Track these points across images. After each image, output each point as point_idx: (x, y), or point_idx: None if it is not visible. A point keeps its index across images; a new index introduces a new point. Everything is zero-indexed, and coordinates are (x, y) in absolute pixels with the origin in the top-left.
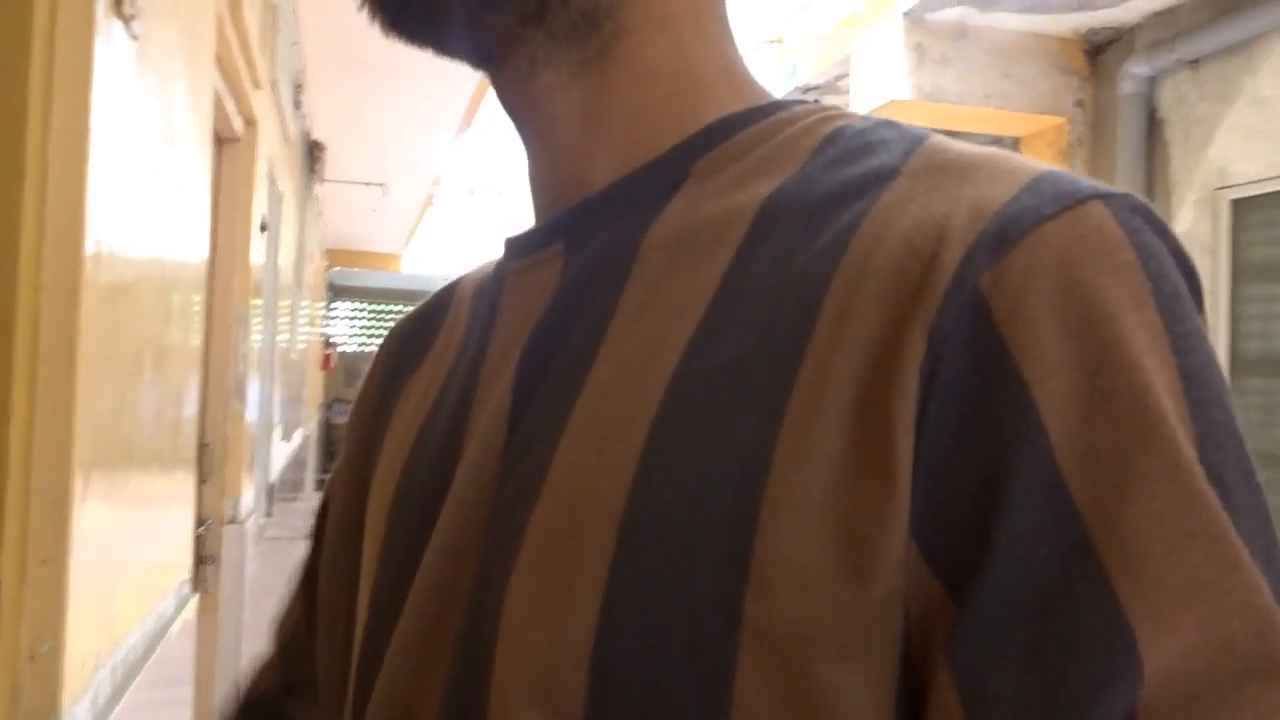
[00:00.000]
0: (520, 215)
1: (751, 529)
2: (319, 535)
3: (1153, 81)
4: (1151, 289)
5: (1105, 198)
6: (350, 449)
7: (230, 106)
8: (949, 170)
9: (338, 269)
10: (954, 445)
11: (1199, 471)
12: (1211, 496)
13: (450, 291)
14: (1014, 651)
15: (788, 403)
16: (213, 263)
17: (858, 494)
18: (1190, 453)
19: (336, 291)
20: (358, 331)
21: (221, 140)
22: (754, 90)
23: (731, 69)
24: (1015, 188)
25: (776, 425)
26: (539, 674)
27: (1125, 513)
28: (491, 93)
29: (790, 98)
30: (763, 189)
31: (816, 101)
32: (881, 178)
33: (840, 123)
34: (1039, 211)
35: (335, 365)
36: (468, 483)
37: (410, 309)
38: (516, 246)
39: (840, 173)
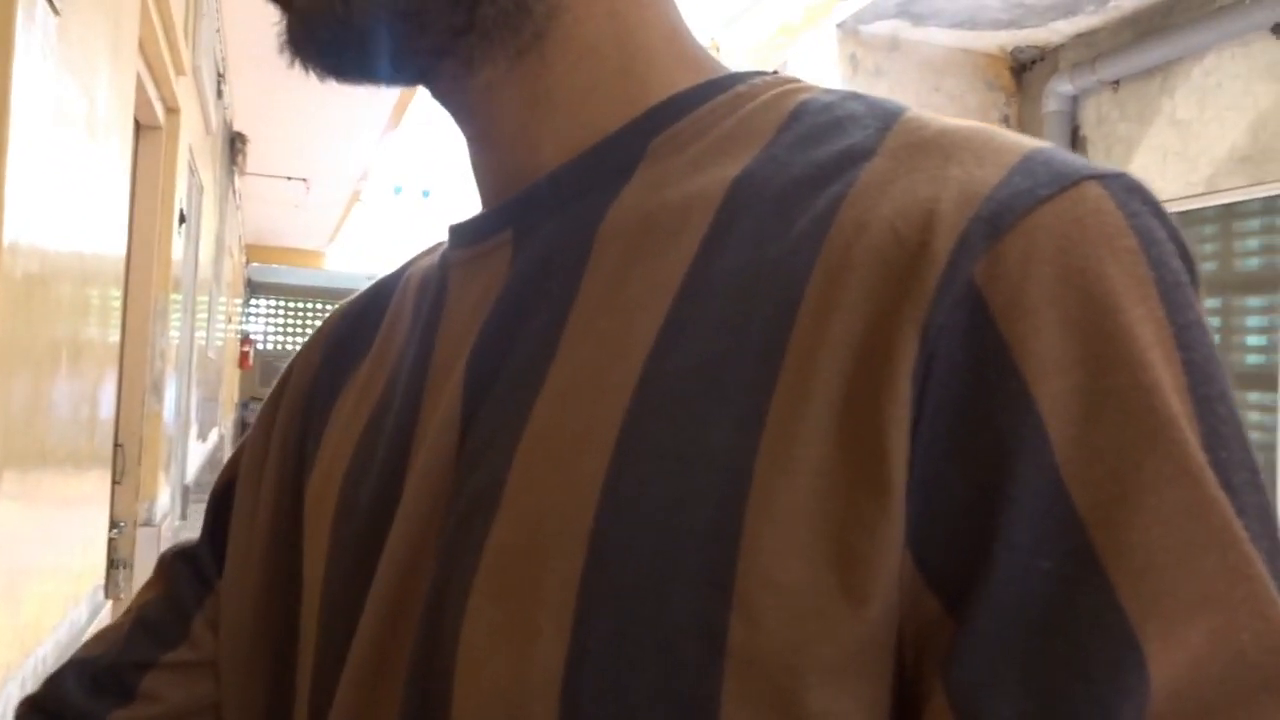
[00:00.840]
0: (448, 216)
1: (734, 546)
2: (218, 522)
3: (1076, 100)
4: (1154, 278)
5: (1101, 177)
6: (279, 444)
7: (151, 92)
8: (930, 149)
9: (256, 265)
10: (950, 450)
11: (1209, 475)
12: (1223, 501)
13: (394, 281)
14: (1014, 672)
15: (768, 406)
16: (130, 255)
17: (848, 505)
18: (1199, 455)
19: (255, 288)
20: (276, 329)
21: (141, 127)
22: (705, 61)
23: (677, 36)
24: (1005, 168)
25: (757, 431)
26: (502, 709)
27: (1131, 520)
28: (420, 91)
29: (746, 70)
30: (726, 171)
31: (775, 73)
32: (855, 158)
33: (804, 96)
34: (1034, 194)
35: (253, 364)
36: (419, 494)
37: (338, 304)
38: (462, 234)
39: (810, 153)
